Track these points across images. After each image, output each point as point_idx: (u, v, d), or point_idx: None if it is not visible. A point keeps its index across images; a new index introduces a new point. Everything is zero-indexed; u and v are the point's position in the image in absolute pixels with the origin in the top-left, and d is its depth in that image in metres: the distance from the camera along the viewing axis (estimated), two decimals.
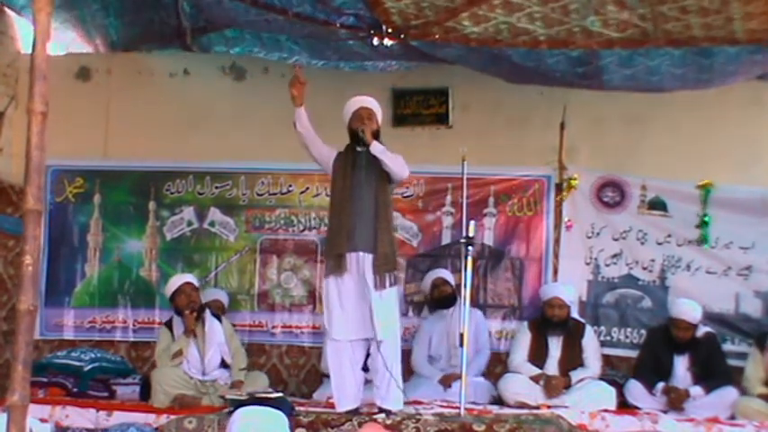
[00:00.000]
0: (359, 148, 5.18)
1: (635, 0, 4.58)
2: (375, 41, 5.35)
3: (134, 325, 7.17)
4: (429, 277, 6.77)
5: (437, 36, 5.25)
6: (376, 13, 5.09)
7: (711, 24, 4.71)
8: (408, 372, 6.31)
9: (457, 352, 6.41)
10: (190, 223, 7.27)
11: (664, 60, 5.25)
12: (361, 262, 5.05)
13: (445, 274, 6.75)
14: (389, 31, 5.24)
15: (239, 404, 4.38)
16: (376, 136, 5.20)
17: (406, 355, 6.35)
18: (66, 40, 7.33)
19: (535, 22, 4.96)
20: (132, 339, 7.16)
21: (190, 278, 6.44)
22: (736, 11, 4.52)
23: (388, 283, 5.03)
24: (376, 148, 5.10)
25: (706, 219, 6.74)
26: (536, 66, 5.53)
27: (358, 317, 5.03)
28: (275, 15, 5.35)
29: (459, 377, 5.25)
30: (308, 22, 5.35)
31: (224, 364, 6.23)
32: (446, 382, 6.31)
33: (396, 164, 5.11)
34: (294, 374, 7.12)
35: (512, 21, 4.95)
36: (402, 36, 5.29)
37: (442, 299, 6.65)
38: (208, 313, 6.34)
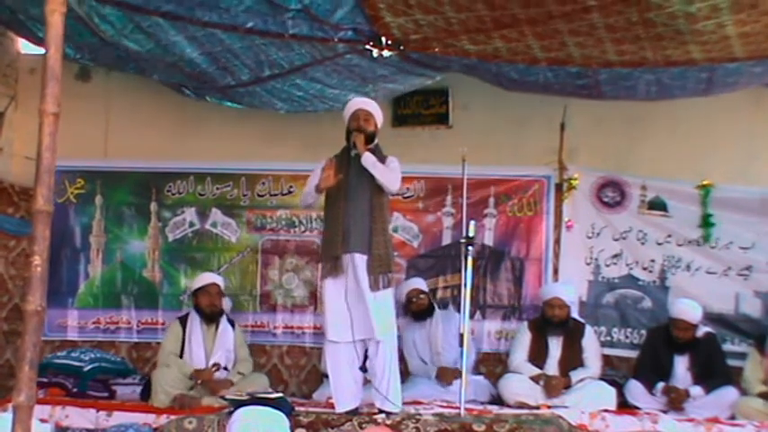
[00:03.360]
0: (354, 151, 5.19)
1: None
2: (375, 53, 5.35)
3: (138, 326, 7.18)
4: (403, 289, 6.66)
5: (436, 49, 5.28)
6: (375, 27, 5.12)
7: (710, 50, 4.75)
8: (405, 372, 6.32)
9: (440, 358, 6.44)
10: (192, 224, 7.28)
11: (663, 75, 5.29)
12: (355, 263, 5.06)
13: (419, 284, 6.71)
14: (389, 42, 5.25)
15: (239, 404, 4.39)
16: (371, 139, 5.22)
17: (402, 356, 6.38)
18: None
19: (533, 49, 5.03)
20: (135, 340, 7.17)
21: (218, 280, 6.45)
22: (731, 31, 4.55)
23: (382, 285, 5.04)
24: (367, 160, 5.10)
25: (710, 220, 6.74)
26: (535, 79, 5.59)
27: (355, 318, 5.04)
28: (272, 39, 5.38)
29: (457, 372, 5.24)
30: (306, 40, 5.36)
31: (226, 369, 6.23)
32: (444, 377, 6.30)
33: (386, 177, 5.12)
34: (295, 375, 7.13)
35: (510, 45, 5.02)
36: (401, 47, 5.30)
37: (421, 311, 6.61)
38: (223, 318, 6.37)
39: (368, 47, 5.32)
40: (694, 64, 5.05)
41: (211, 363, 6.15)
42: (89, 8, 5.09)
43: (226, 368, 6.19)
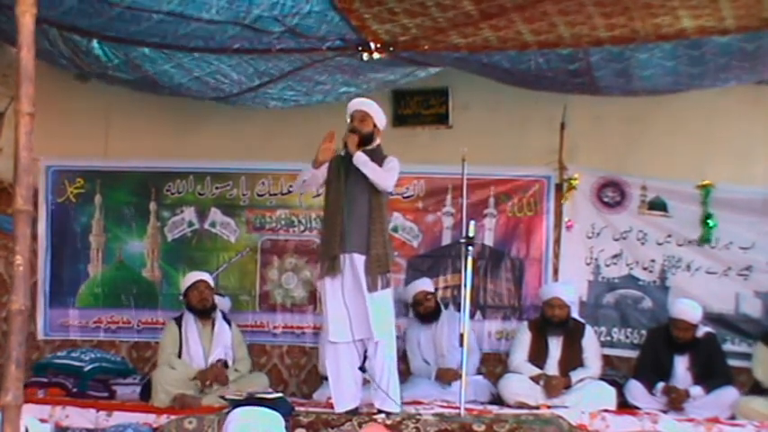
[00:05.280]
0: (344, 150, 5.21)
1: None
2: (365, 57, 5.36)
3: (138, 325, 7.19)
4: (409, 291, 6.67)
5: (426, 47, 5.28)
6: (363, 35, 5.14)
7: (701, 15, 4.73)
8: (406, 372, 6.33)
9: (444, 360, 6.44)
10: (191, 224, 7.28)
11: (654, 53, 5.27)
12: (354, 263, 5.06)
13: (427, 285, 6.69)
14: (378, 46, 5.27)
15: (238, 404, 4.39)
16: (368, 139, 5.23)
17: (403, 357, 6.38)
18: None
19: (522, 34, 5.05)
20: (136, 339, 7.18)
21: (206, 277, 6.49)
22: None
23: (380, 285, 5.05)
24: (358, 159, 5.13)
25: (710, 221, 6.73)
26: (527, 68, 5.57)
27: (353, 318, 5.04)
28: (259, 55, 5.43)
29: (457, 373, 5.24)
30: (294, 53, 5.39)
31: (226, 366, 6.24)
32: (444, 377, 6.30)
33: (377, 175, 5.13)
34: (295, 374, 7.14)
35: (499, 34, 5.04)
36: (390, 49, 5.31)
37: (428, 314, 6.59)
38: (219, 315, 6.38)
39: (357, 51, 5.34)
40: (685, 36, 5.02)
41: (214, 360, 6.17)
42: (73, 43, 5.12)
43: (226, 364, 6.21)
